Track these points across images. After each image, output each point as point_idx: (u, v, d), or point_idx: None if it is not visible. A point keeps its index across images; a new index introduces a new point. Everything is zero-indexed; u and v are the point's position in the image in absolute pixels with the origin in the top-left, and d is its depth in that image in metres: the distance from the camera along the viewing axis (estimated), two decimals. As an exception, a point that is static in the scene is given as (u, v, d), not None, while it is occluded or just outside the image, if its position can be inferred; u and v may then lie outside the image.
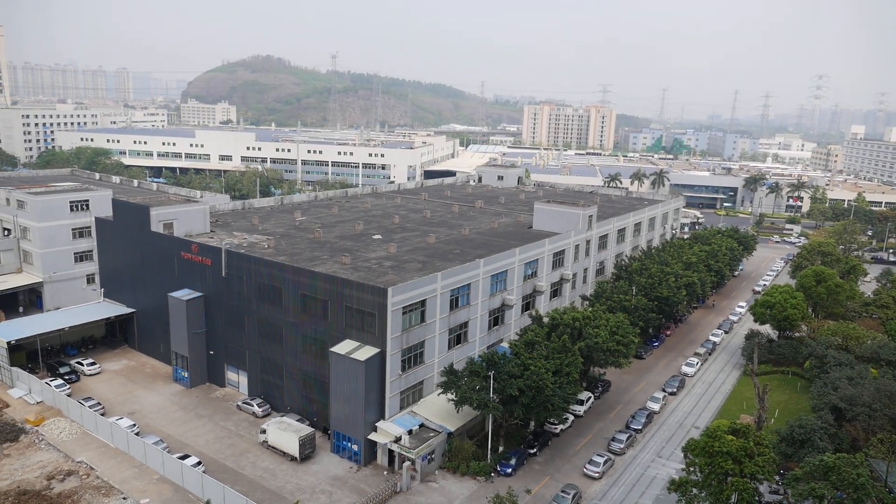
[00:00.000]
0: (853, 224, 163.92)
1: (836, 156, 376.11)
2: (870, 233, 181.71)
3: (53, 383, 72.10)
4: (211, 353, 76.97)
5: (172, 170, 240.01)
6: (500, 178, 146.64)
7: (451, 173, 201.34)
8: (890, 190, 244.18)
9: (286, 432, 62.29)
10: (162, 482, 57.70)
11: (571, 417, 71.66)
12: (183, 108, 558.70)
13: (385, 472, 61.05)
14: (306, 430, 63.22)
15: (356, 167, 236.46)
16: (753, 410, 73.05)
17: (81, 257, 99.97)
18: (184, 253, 76.77)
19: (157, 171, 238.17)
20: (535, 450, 65.68)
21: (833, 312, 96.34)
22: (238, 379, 75.73)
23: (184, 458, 59.30)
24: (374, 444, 62.04)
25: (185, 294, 75.70)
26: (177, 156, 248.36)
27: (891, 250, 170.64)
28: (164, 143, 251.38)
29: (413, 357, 64.85)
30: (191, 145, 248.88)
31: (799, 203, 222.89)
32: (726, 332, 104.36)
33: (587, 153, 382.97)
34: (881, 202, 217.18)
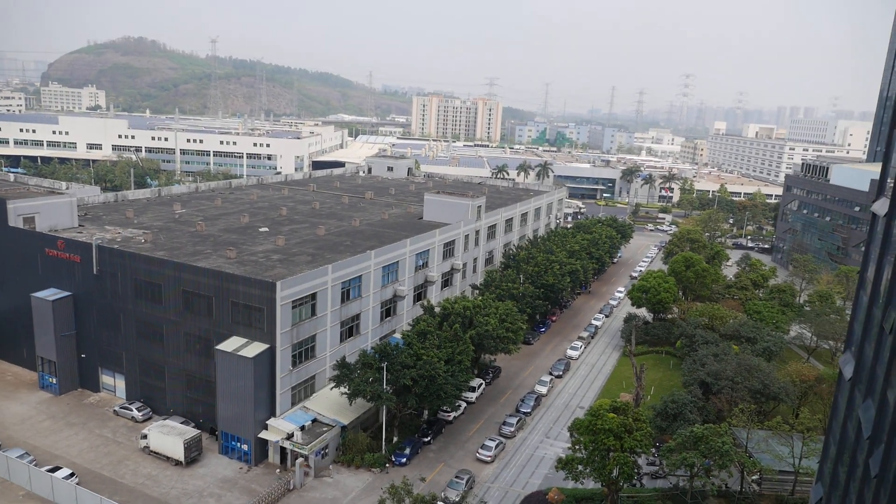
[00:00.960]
0: (717, 213, 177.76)
1: (702, 150, 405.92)
2: (731, 221, 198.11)
3: None
4: (83, 356, 71.65)
5: (33, 159, 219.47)
6: (391, 169, 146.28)
7: (340, 164, 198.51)
8: (748, 181, 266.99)
9: (169, 436, 59.26)
10: (29, 498, 53.20)
11: (464, 404, 73.07)
12: (44, 92, 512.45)
13: (277, 471, 59.61)
14: (192, 432, 60.45)
15: (240, 157, 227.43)
16: (632, 389, 77.77)
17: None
18: (48, 249, 70.76)
19: (14, 161, 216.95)
20: (429, 438, 66.48)
21: (701, 295, 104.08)
22: (114, 383, 71.02)
23: (54, 470, 55.02)
24: (265, 442, 60.41)
25: (50, 294, 69.88)
26: (37, 144, 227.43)
27: (749, 237, 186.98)
28: (21, 130, 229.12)
29: (304, 351, 63.59)
30: (54, 132, 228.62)
31: (670, 194, 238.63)
32: (607, 316, 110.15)
33: (475, 145, 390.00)
34: (741, 192, 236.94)
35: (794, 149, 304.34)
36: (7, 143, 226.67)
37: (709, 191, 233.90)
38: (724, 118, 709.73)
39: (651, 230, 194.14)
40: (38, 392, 71.50)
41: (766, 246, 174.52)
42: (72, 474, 55.41)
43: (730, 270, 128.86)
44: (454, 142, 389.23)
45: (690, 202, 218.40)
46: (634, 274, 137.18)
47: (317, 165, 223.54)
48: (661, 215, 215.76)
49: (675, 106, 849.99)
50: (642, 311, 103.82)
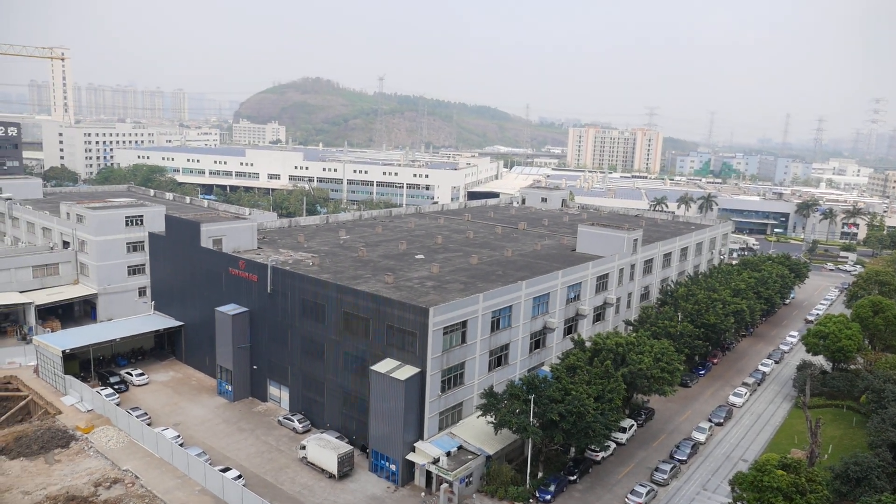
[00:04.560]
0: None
1: (895, 182, 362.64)
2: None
3: (104, 392, 74.25)
4: (254, 367, 78.15)
5: (223, 187, 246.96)
6: (544, 199, 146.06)
7: (494, 195, 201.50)
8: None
9: (325, 449, 62.59)
10: (203, 494, 58.54)
11: (613, 445, 70.08)
12: (235, 128, 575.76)
13: (422, 494, 60.64)
14: (345, 447, 63.40)
15: (400, 187, 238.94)
16: (805, 445, 70.24)
17: (134, 270, 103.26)
18: (231, 268, 78.50)
19: (208, 189, 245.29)
20: (575, 477, 64.36)
21: (891, 345, 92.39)
22: (280, 394, 76.60)
23: (225, 470, 60.12)
24: (412, 464, 61.78)
25: (231, 309, 77.23)
26: (227, 174, 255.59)
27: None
28: (215, 162, 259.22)
29: (453, 378, 64.58)
30: (241, 164, 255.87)
31: (855, 230, 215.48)
32: (776, 362, 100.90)
33: (633, 176, 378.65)
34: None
35: None
36: (203, 173, 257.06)
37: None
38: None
39: (831, 270, 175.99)
40: (216, 397, 78.95)
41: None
42: (239, 476, 60.25)
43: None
44: (611, 173, 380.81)
45: (880, 240, 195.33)
46: (810, 317, 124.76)
47: (472, 196, 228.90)
48: (843, 254, 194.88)
49: (862, 134, 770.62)
50: (819, 360, 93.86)
